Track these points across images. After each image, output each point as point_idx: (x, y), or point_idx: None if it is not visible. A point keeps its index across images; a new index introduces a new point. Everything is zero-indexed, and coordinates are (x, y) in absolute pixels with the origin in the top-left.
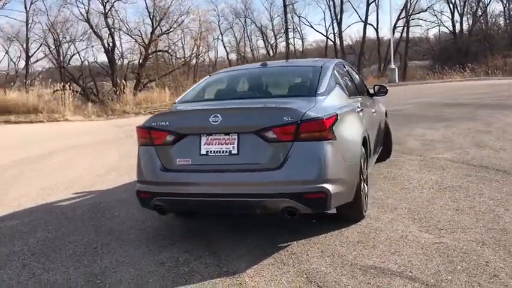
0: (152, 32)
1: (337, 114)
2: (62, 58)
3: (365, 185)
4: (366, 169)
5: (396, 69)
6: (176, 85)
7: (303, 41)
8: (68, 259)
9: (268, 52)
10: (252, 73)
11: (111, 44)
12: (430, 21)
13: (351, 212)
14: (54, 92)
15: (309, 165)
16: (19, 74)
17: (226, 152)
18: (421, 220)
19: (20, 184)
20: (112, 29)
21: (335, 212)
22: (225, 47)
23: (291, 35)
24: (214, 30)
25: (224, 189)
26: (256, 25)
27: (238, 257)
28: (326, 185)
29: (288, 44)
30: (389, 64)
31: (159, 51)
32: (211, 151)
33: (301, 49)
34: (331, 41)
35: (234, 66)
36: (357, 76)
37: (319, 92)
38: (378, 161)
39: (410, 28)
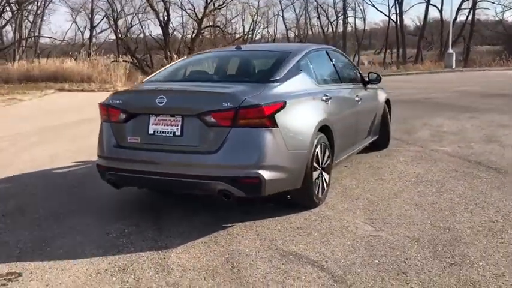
0: (206, 7)
1: (284, 102)
2: (120, 30)
3: (324, 173)
4: (330, 158)
5: (454, 54)
6: None
7: (364, 21)
8: (30, 223)
9: (323, 31)
10: (222, 56)
11: (165, 18)
12: (501, 4)
13: (300, 199)
14: (111, 62)
15: (244, 150)
16: (85, 43)
17: (170, 133)
18: (373, 212)
19: (36, 149)
20: (167, 3)
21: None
22: (285, 23)
23: (351, 13)
24: (274, 6)
25: (166, 168)
26: (316, 2)
27: (179, 234)
28: (261, 171)
29: (345, 23)
30: (448, 49)
31: (211, 26)
32: (158, 131)
33: (361, 28)
34: (393, 21)
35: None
36: (345, 64)
37: (273, 79)
38: (374, 150)
39: (482, 11)
